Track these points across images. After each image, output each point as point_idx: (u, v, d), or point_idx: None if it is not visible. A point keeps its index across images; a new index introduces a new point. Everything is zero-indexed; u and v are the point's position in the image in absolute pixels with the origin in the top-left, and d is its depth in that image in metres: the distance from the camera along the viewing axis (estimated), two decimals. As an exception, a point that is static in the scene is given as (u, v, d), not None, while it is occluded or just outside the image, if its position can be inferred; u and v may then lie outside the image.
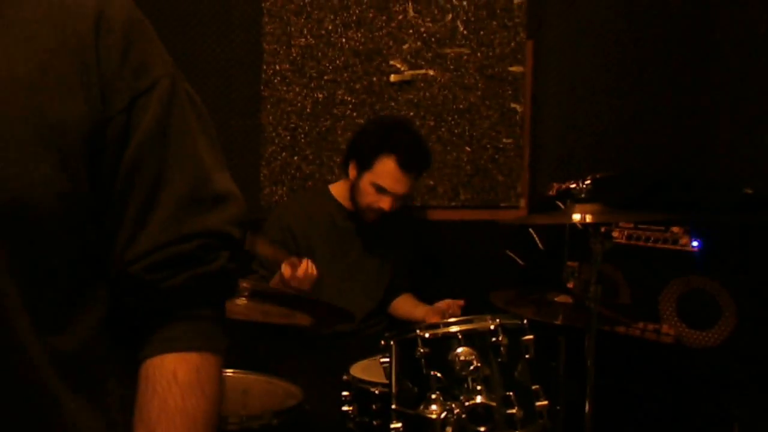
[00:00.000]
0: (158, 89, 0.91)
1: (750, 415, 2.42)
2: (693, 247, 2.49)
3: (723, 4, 3.02)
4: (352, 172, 2.56)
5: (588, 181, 2.12)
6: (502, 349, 1.79)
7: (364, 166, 2.50)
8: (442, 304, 2.51)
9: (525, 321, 1.92)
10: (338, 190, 2.67)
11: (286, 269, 2.27)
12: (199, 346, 0.91)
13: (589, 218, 2.01)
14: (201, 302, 0.93)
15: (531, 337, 1.88)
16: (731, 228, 2.49)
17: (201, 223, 0.91)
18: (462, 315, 2.24)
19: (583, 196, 2.10)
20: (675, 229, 2.52)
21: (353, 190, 2.56)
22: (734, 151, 2.97)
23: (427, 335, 1.77)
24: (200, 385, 0.89)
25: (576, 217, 2.02)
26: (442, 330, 1.80)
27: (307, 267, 2.26)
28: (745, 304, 2.39)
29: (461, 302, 2.46)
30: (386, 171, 2.47)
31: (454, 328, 1.80)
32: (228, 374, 2.07)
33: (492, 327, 1.80)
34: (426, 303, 2.69)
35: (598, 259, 2.04)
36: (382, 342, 1.87)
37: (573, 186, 2.13)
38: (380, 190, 2.48)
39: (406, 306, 2.72)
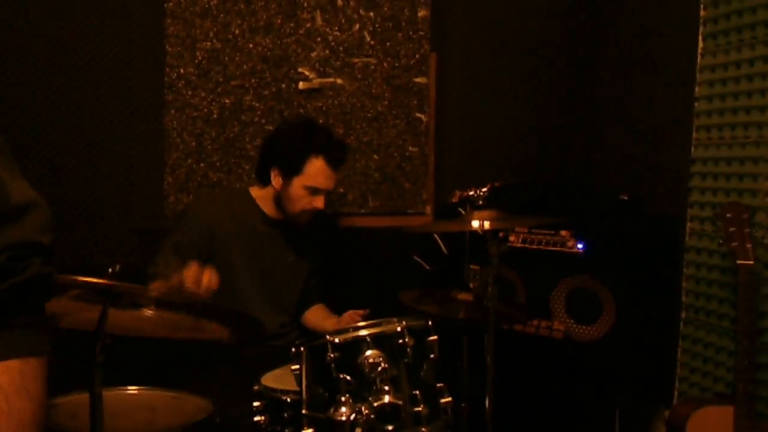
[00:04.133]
0: None
1: (629, 401, 2.60)
2: (578, 249, 2.64)
3: (608, 29, 3.26)
4: (276, 180, 2.55)
5: (485, 189, 2.24)
6: (408, 350, 1.86)
7: (293, 171, 2.51)
8: (347, 316, 2.56)
9: (430, 322, 1.97)
10: (259, 194, 2.64)
11: (188, 279, 2.20)
12: (20, 353, 0.95)
13: (487, 225, 2.12)
14: (18, 311, 0.96)
15: (435, 337, 1.95)
16: (610, 231, 2.67)
17: (4, 238, 0.94)
18: (370, 318, 2.29)
19: (480, 203, 2.22)
20: (563, 233, 2.68)
21: (282, 198, 2.55)
22: (612, 161, 3.22)
23: (336, 340, 1.81)
24: (24, 388, 0.94)
25: (474, 223, 2.11)
26: (351, 334, 1.84)
27: (209, 279, 2.21)
28: (622, 301, 2.58)
29: (362, 312, 2.51)
30: (317, 171, 2.50)
31: (362, 332, 1.84)
32: (133, 392, 2.03)
33: (399, 329, 1.86)
34: (336, 310, 2.73)
35: (495, 261, 2.15)
36: (293, 350, 1.89)
37: (471, 194, 2.24)
38: (314, 191, 2.51)
39: (316, 317, 2.75)
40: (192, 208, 2.63)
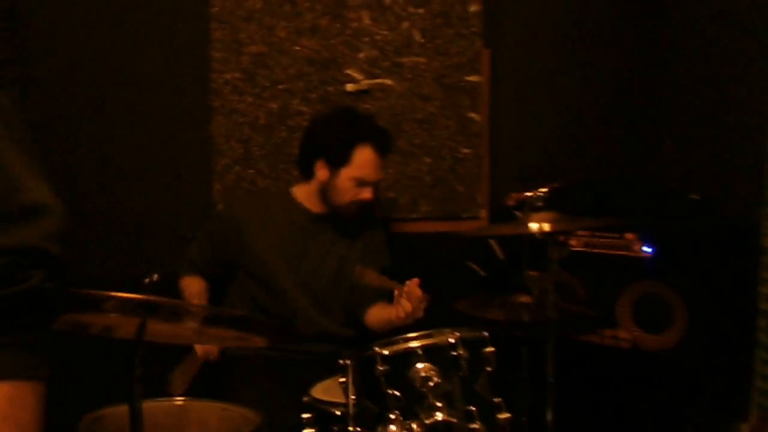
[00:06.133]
0: None
1: (702, 415, 2.49)
2: (645, 252, 2.54)
3: (671, 16, 3.12)
4: (322, 172, 2.48)
5: (544, 190, 2.15)
6: (462, 362, 1.78)
7: (340, 162, 2.44)
8: (409, 284, 2.27)
9: (486, 333, 1.91)
10: (301, 192, 2.58)
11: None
12: (10, 375, 0.86)
13: (546, 227, 2.03)
14: (11, 327, 0.86)
15: (492, 349, 1.88)
16: (680, 233, 2.56)
17: (7, 239, 0.85)
18: (421, 329, 2.19)
19: (539, 205, 2.13)
20: (628, 235, 2.57)
21: (328, 191, 2.49)
22: (681, 158, 3.08)
23: (385, 352, 1.74)
24: (13, 415, 0.85)
25: (533, 226, 2.03)
26: (401, 346, 1.77)
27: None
28: (695, 308, 2.47)
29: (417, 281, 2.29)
30: (366, 161, 2.44)
31: (413, 344, 1.78)
32: (179, 403, 2.00)
33: (452, 341, 1.78)
34: None
35: (555, 267, 2.08)
36: (341, 361, 1.83)
37: (529, 195, 2.15)
38: (361, 182, 2.45)
39: (379, 313, 2.57)
40: (225, 202, 2.62)
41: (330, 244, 2.58)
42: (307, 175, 2.55)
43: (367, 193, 2.47)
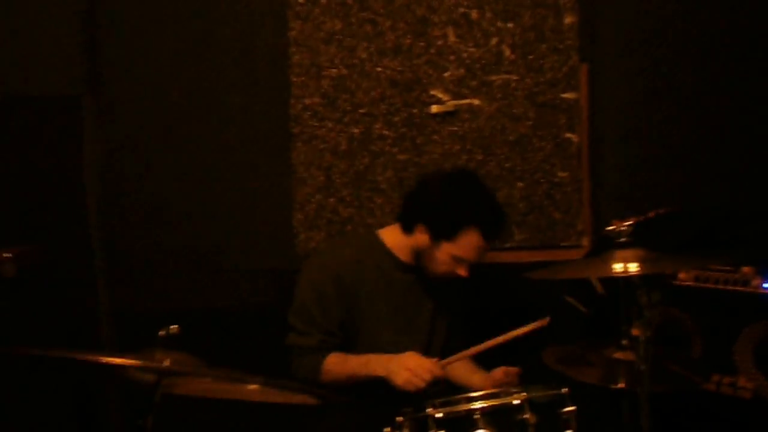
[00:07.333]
0: None
1: None
2: (766, 289, 2.33)
3: None
4: (421, 236, 2.35)
5: (629, 223, 1.90)
6: (530, 429, 1.63)
7: (443, 236, 2.31)
8: (498, 372, 2.29)
9: (564, 390, 1.75)
10: (391, 238, 2.44)
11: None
12: None
13: (634, 268, 1.77)
14: None
15: (572, 409, 1.74)
16: None
17: None
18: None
19: (623, 240, 1.88)
20: (745, 269, 2.37)
21: (423, 255, 2.38)
22: None
23: (439, 415, 1.60)
24: None
25: (617, 267, 1.79)
26: (459, 408, 1.64)
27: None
28: None
29: (516, 370, 2.27)
30: (471, 245, 2.31)
31: (473, 405, 1.64)
32: None
33: (517, 402, 1.64)
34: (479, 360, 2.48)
35: (646, 315, 1.80)
36: (398, 419, 1.70)
37: (612, 229, 1.91)
38: (460, 260, 2.33)
39: (461, 371, 2.48)
40: (319, 258, 2.44)
41: (422, 295, 2.46)
42: (407, 229, 2.40)
43: (462, 271, 2.33)
